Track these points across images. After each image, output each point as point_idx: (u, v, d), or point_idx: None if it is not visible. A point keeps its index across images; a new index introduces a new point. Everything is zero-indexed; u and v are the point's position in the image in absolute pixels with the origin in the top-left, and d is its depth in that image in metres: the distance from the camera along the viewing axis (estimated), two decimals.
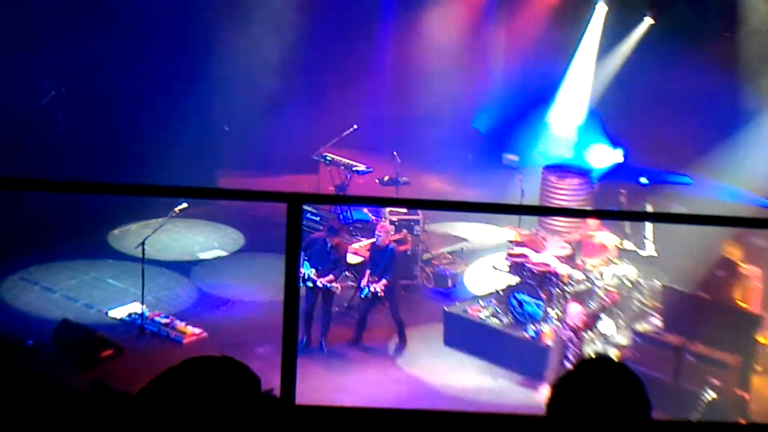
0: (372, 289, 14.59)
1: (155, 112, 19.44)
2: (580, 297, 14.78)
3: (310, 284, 14.50)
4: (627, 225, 15.88)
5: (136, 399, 2.67)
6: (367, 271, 14.89)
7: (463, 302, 15.66)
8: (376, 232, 15.03)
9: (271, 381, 3.55)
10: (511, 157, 20.89)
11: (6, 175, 4.74)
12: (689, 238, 15.69)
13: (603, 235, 15.59)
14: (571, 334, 12.82)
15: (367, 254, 15.44)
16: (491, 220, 18.58)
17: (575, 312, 12.98)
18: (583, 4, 20.09)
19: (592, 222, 15.66)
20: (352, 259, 16.16)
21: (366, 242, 16.40)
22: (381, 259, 14.67)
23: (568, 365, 12.49)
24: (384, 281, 14.50)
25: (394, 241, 16.11)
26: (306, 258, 14.57)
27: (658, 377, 12.79)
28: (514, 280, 15.21)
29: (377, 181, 18.62)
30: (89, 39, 18.46)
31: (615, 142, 18.74)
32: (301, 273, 14.74)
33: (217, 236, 18.38)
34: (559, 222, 17.09)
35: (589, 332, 14.28)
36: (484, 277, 16.51)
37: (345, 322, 15.44)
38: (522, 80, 20.52)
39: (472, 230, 18.96)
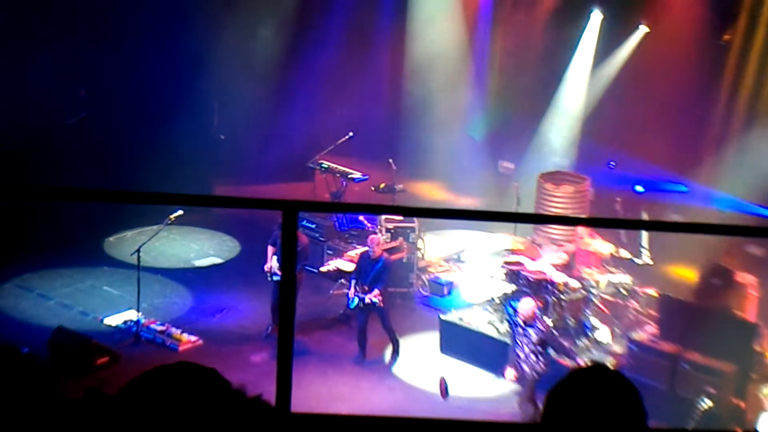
0: (368, 300, 14.56)
1: (151, 121, 19.47)
2: (576, 304, 14.81)
3: (276, 278, 14.96)
4: (623, 233, 15.88)
5: (107, 409, 2.67)
6: (353, 281, 14.88)
7: (459, 310, 15.66)
8: (369, 244, 15.01)
9: (266, 388, 3.55)
10: (507, 165, 20.88)
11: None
12: (685, 246, 15.74)
13: (598, 243, 15.60)
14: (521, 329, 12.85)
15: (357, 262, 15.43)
16: (487, 228, 18.57)
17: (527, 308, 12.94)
18: (579, 11, 20.08)
19: (587, 230, 15.67)
20: (345, 266, 16.15)
21: (361, 249, 16.40)
22: (372, 270, 14.60)
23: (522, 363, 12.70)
24: (377, 291, 14.45)
25: (390, 248, 16.12)
26: (274, 253, 15.03)
27: (653, 386, 12.78)
28: (510, 288, 15.21)
29: (373, 188, 18.60)
30: (82, 50, 18.48)
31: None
32: (269, 267, 15.01)
33: (213, 243, 18.38)
34: (554, 230, 17.09)
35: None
36: (480, 285, 16.51)
37: (340, 330, 15.47)
38: (517, 87, 20.55)
39: (467, 238, 18.94)
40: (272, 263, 15.06)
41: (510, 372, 13.08)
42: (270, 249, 15.18)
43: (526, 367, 12.75)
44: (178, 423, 2.61)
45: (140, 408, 2.63)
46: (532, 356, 12.72)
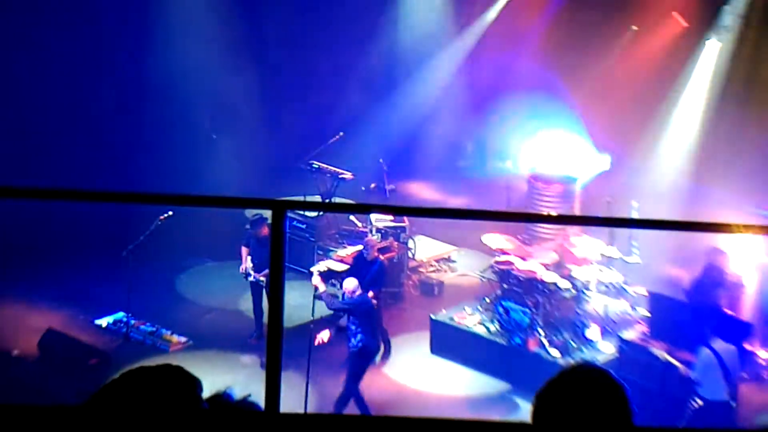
0: None
1: (142, 120, 19.45)
2: (566, 303, 14.82)
3: (251, 279, 15.06)
4: (613, 231, 15.88)
5: (80, 413, 2.67)
6: None
7: (449, 310, 15.65)
8: (365, 246, 14.98)
9: (256, 389, 3.54)
10: (504, 165, 20.86)
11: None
12: (676, 244, 15.75)
13: (589, 242, 15.60)
14: None
15: (352, 263, 15.41)
16: (478, 227, 18.55)
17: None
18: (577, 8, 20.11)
19: (577, 229, 15.67)
20: (336, 266, 16.13)
21: (351, 249, 16.37)
22: (367, 272, 14.55)
23: None
24: (372, 293, 14.38)
25: (380, 248, 16.09)
26: (248, 254, 15.13)
27: (644, 384, 12.79)
28: (501, 287, 15.22)
29: (363, 188, 18.59)
30: (73, 42, 18.47)
31: (601, 148, 18.70)
32: (243, 269, 15.14)
33: (204, 244, 18.30)
34: (545, 229, 17.08)
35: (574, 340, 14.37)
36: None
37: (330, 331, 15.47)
38: (513, 85, 20.54)
39: (458, 238, 18.93)
40: (247, 264, 15.12)
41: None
42: (244, 250, 15.24)
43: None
44: (151, 425, 2.61)
45: (112, 411, 2.63)
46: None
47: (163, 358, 14.12)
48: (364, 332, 13.06)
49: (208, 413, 2.74)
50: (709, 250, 14.49)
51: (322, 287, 13.37)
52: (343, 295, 13.36)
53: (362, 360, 13.12)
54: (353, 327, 13.12)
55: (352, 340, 13.08)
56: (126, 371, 2.75)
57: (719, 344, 12.04)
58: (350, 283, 13.28)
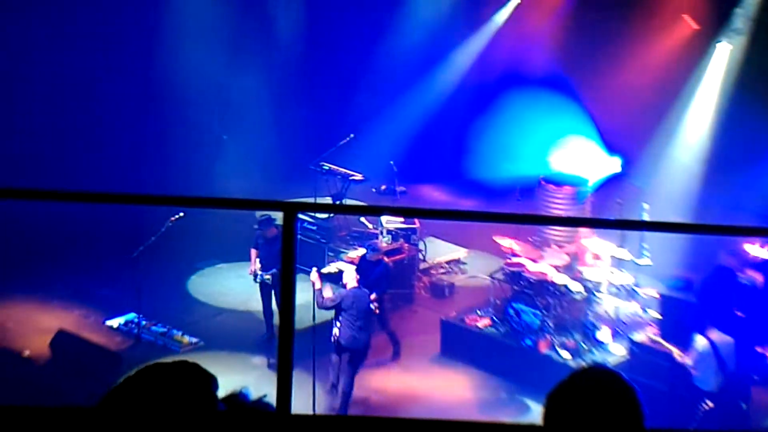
0: None
1: (152, 122, 19.47)
2: (577, 305, 14.81)
3: (258, 280, 15.16)
4: (624, 234, 15.86)
5: (97, 410, 2.68)
6: None
7: (460, 312, 15.64)
8: (367, 248, 14.94)
9: (267, 390, 3.55)
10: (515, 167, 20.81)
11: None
12: (687, 246, 15.73)
13: (599, 243, 15.58)
14: None
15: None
16: (489, 229, 18.53)
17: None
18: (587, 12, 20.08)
19: (588, 231, 15.66)
20: (347, 268, 16.12)
21: (362, 251, 16.36)
22: (372, 273, 14.48)
23: None
24: (374, 295, 14.25)
25: (391, 250, 16.08)
26: (257, 256, 15.23)
27: (654, 386, 12.77)
28: (512, 289, 15.21)
29: (374, 190, 18.58)
30: (82, 43, 18.51)
31: (612, 150, 18.66)
32: (252, 270, 15.24)
33: (216, 245, 18.29)
34: (556, 231, 17.07)
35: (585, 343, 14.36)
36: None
37: None
38: (524, 86, 20.50)
39: (469, 240, 18.91)
40: (255, 266, 15.15)
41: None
42: (253, 252, 15.27)
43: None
44: (168, 421, 2.62)
45: (130, 406, 2.64)
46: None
47: (174, 358, 14.11)
48: (344, 326, 13.13)
49: (222, 412, 2.75)
50: (721, 252, 14.48)
51: (318, 284, 13.34)
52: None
53: (338, 351, 13.24)
54: (334, 319, 13.23)
55: (332, 330, 13.25)
56: (143, 367, 2.77)
57: (716, 335, 12.08)
58: (351, 274, 13.47)
